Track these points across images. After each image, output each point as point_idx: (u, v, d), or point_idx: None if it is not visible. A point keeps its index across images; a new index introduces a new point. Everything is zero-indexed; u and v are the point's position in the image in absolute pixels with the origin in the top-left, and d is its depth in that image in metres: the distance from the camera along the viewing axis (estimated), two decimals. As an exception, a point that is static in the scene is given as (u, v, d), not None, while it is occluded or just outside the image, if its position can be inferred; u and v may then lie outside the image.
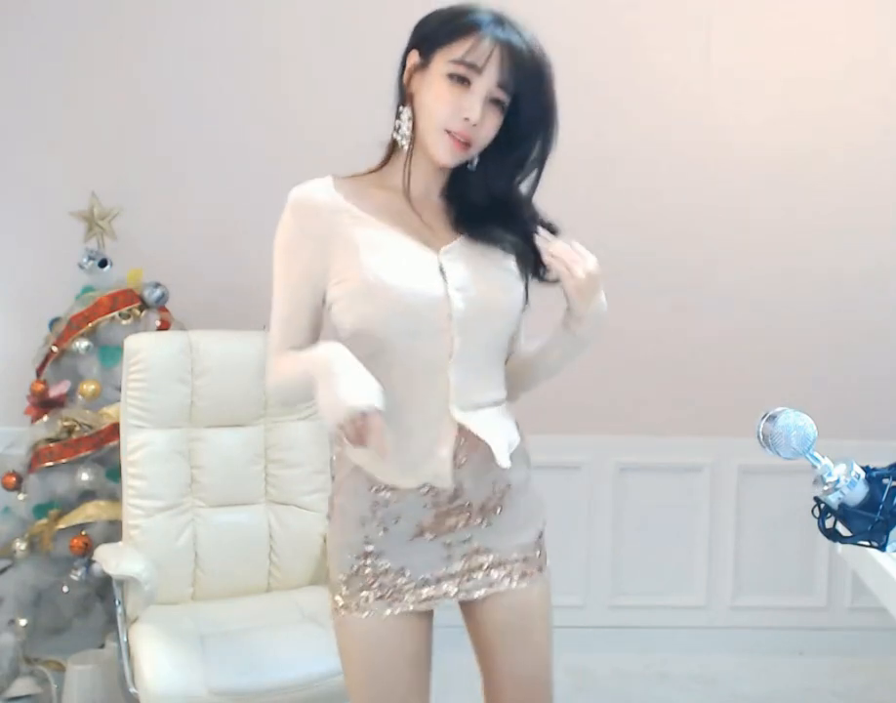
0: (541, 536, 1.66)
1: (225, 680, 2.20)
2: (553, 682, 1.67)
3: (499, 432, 1.55)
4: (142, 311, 2.90)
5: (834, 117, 3.22)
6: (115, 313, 2.86)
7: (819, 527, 1.36)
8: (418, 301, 1.46)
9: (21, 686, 2.77)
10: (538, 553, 1.64)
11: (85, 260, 2.92)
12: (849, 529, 1.33)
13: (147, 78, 3.09)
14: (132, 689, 2.30)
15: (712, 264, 3.26)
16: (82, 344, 2.85)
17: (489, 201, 1.54)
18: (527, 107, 1.48)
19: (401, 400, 1.48)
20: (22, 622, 2.80)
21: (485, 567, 1.59)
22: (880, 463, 1.36)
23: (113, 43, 3.07)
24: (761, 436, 1.32)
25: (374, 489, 1.53)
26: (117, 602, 2.40)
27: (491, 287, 1.51)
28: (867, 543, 1.32)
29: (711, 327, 3.29)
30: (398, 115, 1.52)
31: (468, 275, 1.49)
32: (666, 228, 3.24)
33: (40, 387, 2.84)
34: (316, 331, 1.56)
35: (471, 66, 1.43)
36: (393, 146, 1.56)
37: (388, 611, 1.55)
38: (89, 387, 2.81)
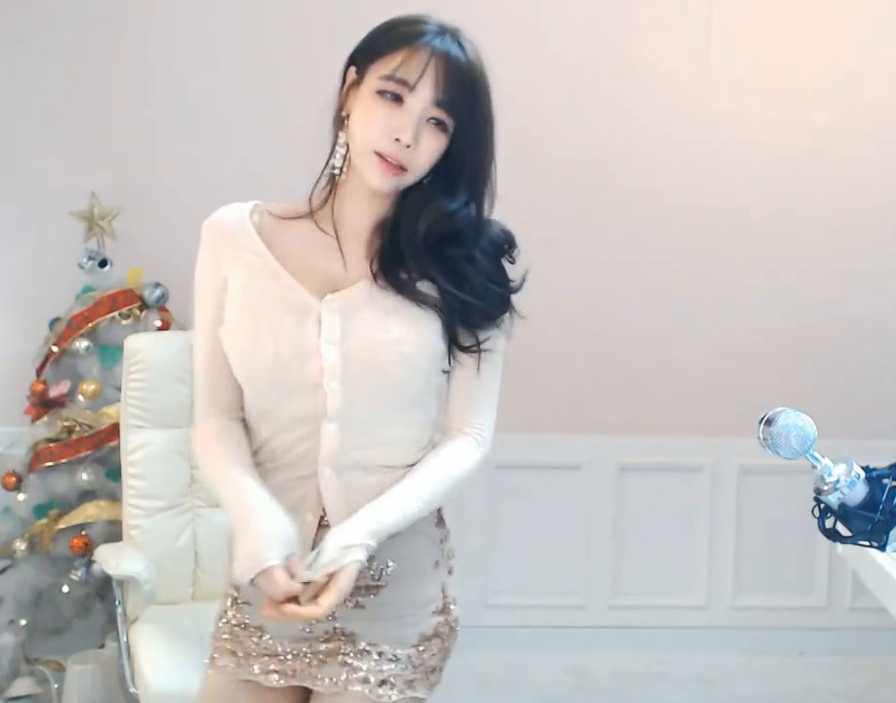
0: (424, 641, 1.40)
1: (225, 680, 2.20)
2: None
3: (358, 509, 1.33)
4: (142, 311, 2.90)
5: (834, 117, 3.22)
6: (115, 313, 2.86)
7: (819, 527, 1.36)
8: (282, 355, 1.32)
9: (21, 686, 2.77)
10: (416, 661, 1.39)
11: (85, 260, 2.92)
12: (849, 529, 1.33)
13: (148, 78, 3.10)
14: (132, 689, 2.30)
15: (711, 264, 3.26)
16: (82, 344, 2.85)
17: (420, 238, 1.36)
18: (461, 127, 1.32)
19: (272, 455, 1.39)
20: (22, 622, 2.80)
21: (343, 654, 1.38)
22: (880, 463, 1.36)
23: (114, 43, 3.07)
24: (761, 437, 1.31)
25: None
26: (117, 602, 2.40)
27: (380, 338, 1.33)
28: (867, 543, 1.32)
29: (710, 327, 3.29)
30: (336, 141, 1.39)
31: (351, 327, 1.33)
32: (665, 229, 3.24)
33: (40, 387, 2.84)
34: (234, 382, 1.40)
35: (402, 83, 1.29)
36: (331, 172, 1.42)
37: (232, 668, 1.42)
38: (89, 387, 2.81)
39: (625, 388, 3.28)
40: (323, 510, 1.38)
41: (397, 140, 1.29)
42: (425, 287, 1.36)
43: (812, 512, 1.35)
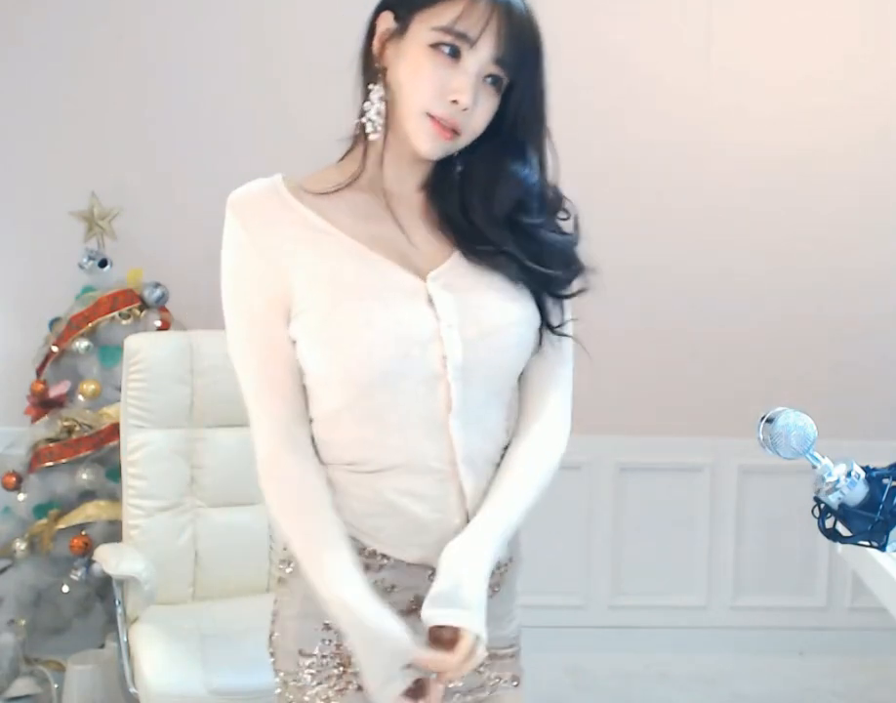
0: (519, 636, 1.36)
1: (225, 680, 2.20)
2: None
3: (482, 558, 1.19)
4: (142, 311, 2.90)
5: (835, 116, 3.22)
6: (115, 313, 2.86)
7: (819, 527, 1.36)
8: (400, 344, 1.15)
9: (21, 686, 2.77)
10: (518, 651, 1.34)
11: (85, 260, 2.92)
12: (849, 529, 1.33)
13: (148, 78, 3.09)
14: (132, 689, 2.30)
15: (711, 263, 3.26)
16: (82, 344, 2.85)
17: (490, 210, 1.22)
18: (522, 86, 1.18)
19: (393, 463, 1.19)
20: (22, 622, 2.80)
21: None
22: (880, 463, 1.36)
23: (114, 43, 3.07)
24: (761, 437, 1.31)
25: (365, 552, 1.21)
26: (117, 602, 2.40)
27: (499, 323, 1.20)
28: (867, 543, 1.32)
29: (710, 327, 3.28)
30: (366, 96, 1.20)
31: (466, 308, 1.19)
32: (665, 229, 3.24)
33: (40, 387, 2.84)
34: (299, 380, 1.22)
35: (462, 37, 1.12)
36: (360, 134, 1.24)
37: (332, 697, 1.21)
38: (89, 387, 2.81)
39: (625, 388, 3.28)
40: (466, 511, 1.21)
41: (454, 102, 1.13)
42: (506, 259, 1.22)
43: (812, 512, 1.35)
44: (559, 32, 3.44)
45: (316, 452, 1.22)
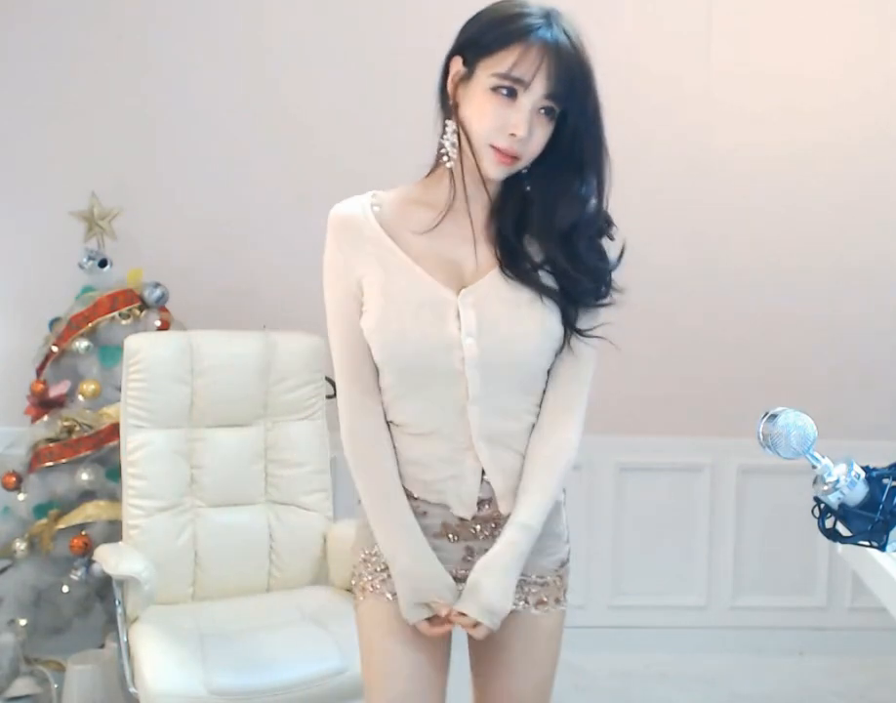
0: (563, 566, 1.66)
1: (225, 680, 2.20)
2: None
3: (510, 470, 1.53)
4: (142, 311, 2.90)
5: (835, 115, 3.22)
6: (115, 313, 2.86)
7: (819, 527, 1.36)
8: (427, 348, 1.45)
9: (21, 686, 2.77)
10: (557, 582, 1.64)
11: (85, 260, 2.92)
12: (849, 529, 1.33)
13: (148, 78, 3.10)
14: (132, 689, 2.30)
15: (712, 263, 3.27)
16: (82, 344, 2.85)
17: (547, 225, 1.47)
18: (576, 114, 1.41)
19: (429, 430, 1.51)
20: (22, 622, 2.80)
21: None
22: (880, 463, 1.36)
23: (113, 43, 3.07)
24: (761, 436, 1.32)
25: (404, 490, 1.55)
26: (117, 602, 2.40)
27: (511, 332, 1.46)
28: (867, 543, 1.32)
29: (710, 327, 3.29)
30: (444, 129, 1.44)
31: (486, 321, 1.45)
32: (664, 228, 3.24)
33: (40, 387, 2.84)
34: (371, 361, 1.52)
35: (518, 81, 1.35)
36: (439, 158, 1.48)
37: (390, 601, 1.55)
38: (89, 387, 2.81)
39: (625, 388, 3.28)
40: (483, 473, 1.52)
41: (512, 134, 1.36)
42: (543, 273, 1.47)
43: (812, 512, 1.36)
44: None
45: (385, 414, 1.54)
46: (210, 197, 3.15)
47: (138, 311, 2.90)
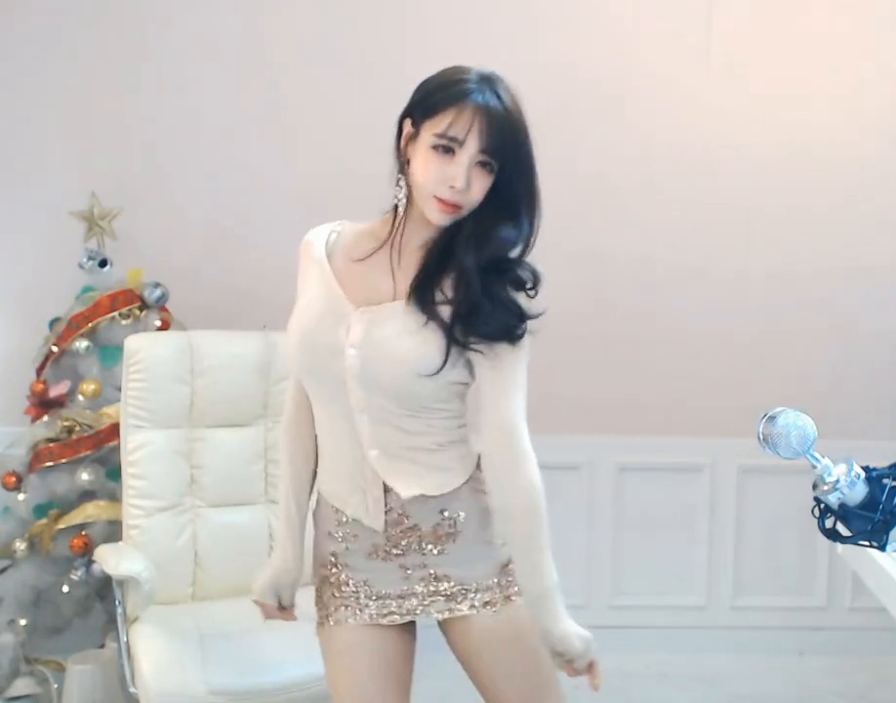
0: (503, 568, 1.67)
1: (225, 680, 2.20)
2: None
3: (414, 478, 1.60)
4: (141, 311, 2.90)
5: (835, 117, 3.22)
6: (115, 313, 2.86)
7: (819, 527, 1.36)
8: (319, 349, 1.58)
9: (21, 686, 2.77)
10: (502, 583, 1.66)
11: (85, 260, 2.92)
12: (849, 529, 1.33)
13: (148, 78, 3.10)
14: (132, 689, 2.30)
15: (711, 263, 3.27)
16: (82, 344, 2.85)
17: (469, 256, 1.55)
18: (509, 167, 1.53)
19: (333, 439, 1.65)
20: (22, 622, 2.80)
21: (444, 592, 1.65)
22: (880, 463, 1.36)
23: (113, 43, 3.07)
24: (761, 436, 1.32)
25: (333, 508, 1.67)
26: (117, 602, 2.40)
27: (391, 347, 1.54)
28: (867, 543, 1.32)
29: (711, 327, 3.29)
30: (398, 183, 1.58)
31: (372, 337, 1.55)
32: (665, 228, 3.25)
33: (40, 387, 2.84)
34: None
35: (453, 139, 1.48)
36: (393, 208, 1.62)
37: (352, 621, 1.65)
38: (89, 387, 2.82)
39: (625, 388, 3.28)
40: (384, 484, 1.61)
41: (452, 186, 1.50)
42: (445, 307, 1.55)
43: (812, 512, 1.36)
44: (559, 34, 3.45)
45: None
46: (210, 197, 3.15)
47: (138, 311, 2.90)
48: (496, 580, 1.66)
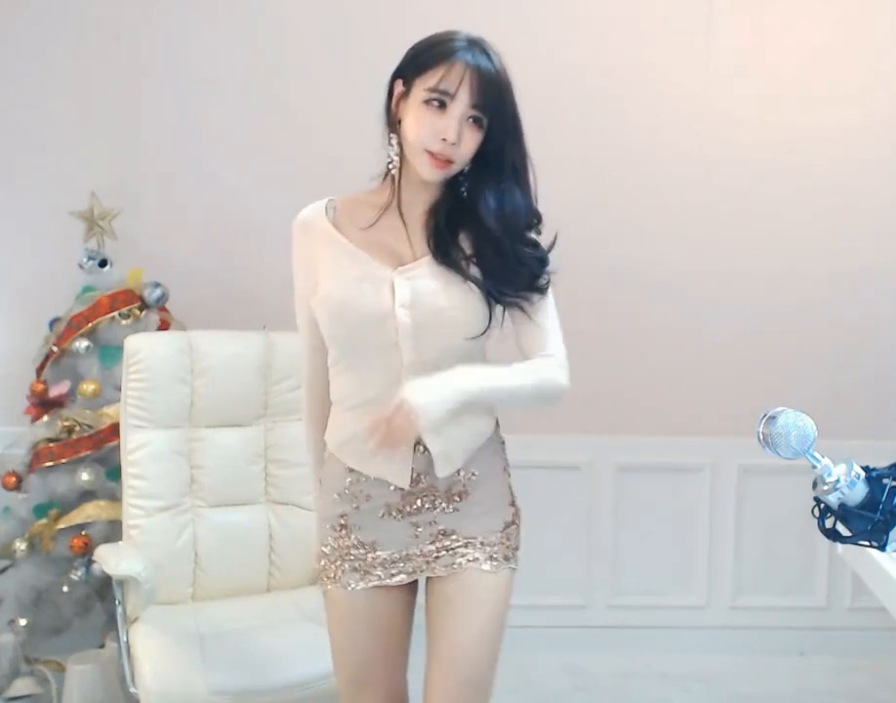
0: (507, 527, 1.75)
1: (225, 680, 2.20)
2: (483, 679, 1.68)
3: (452, 436, 1.65)
4: (142, 311, 2.90)
5: (834, 117, 3.22)
6: (115, 313, 2.86)
7: (819, 527, 1.36)
8: (364, 316, 1.61)
9: (21, 686, 2.77)
10: (504, 541, 1.73)
11: (85, 260, 2.92)
12: (849, 529, 1.33)
13: (148, 78, 3.10)
14: (132, 689, 2.30)
15: (711, 264, 3.27)
16: (82, 344, 2.85)
17: (476, 221, 1.64)
18: (497, 122, 1.60)
19: (368, 399, 1.65)
20: (22, 622, 2.79)
21: (452, 548, 1.69)
22: (880, 463, 1.36)
23: (113, 43, 3.07)
24: (761, 436, 1.32)
25: (348, 469, 1.70)
26: (117, 602, 2.40)
27: (441, 305, 1.62)
28: (867, 543, 1.33)
29: (711, 327, 3.29)
30: (389, 142, 1.65)
31: (420, 293, 1.61)
32: (664, 229, 3.25)
33: (40, 387, 2.84)
34: (324, 345, 1.71)
35: (444, 93, 1.56)
36: (387, 170, 1.68)
37: (362, 584, 1.70)
38: (89, 387, 2.82)
39: (625, 388, 3.28)
40: (417, 442, 1.66)
41: (444, 139, 1.56)
42: (471, 264, 1.65)
43: (812, 512, 1.36)
44: (559, 35, 3.44)
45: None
46: (210, 197, 3.15)
47: (138, 311, 2.90)
48: (499, 537, 1.72)
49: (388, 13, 3.12)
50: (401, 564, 1.70)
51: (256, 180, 3.14)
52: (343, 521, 1.71)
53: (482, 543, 1.70)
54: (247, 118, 3.13)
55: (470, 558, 1.69)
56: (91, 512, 2.77)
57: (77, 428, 2.78)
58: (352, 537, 1.71)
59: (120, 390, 2.61)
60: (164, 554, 2.53)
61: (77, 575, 2.76)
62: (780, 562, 3.38)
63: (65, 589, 2.78)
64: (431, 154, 1.57)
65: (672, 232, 3.25)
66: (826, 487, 1.30)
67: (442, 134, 1.56)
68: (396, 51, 3.26)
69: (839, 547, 1.73)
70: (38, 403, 2.86)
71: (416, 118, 1.58)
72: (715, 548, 3.38)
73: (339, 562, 1.72)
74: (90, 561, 2.69)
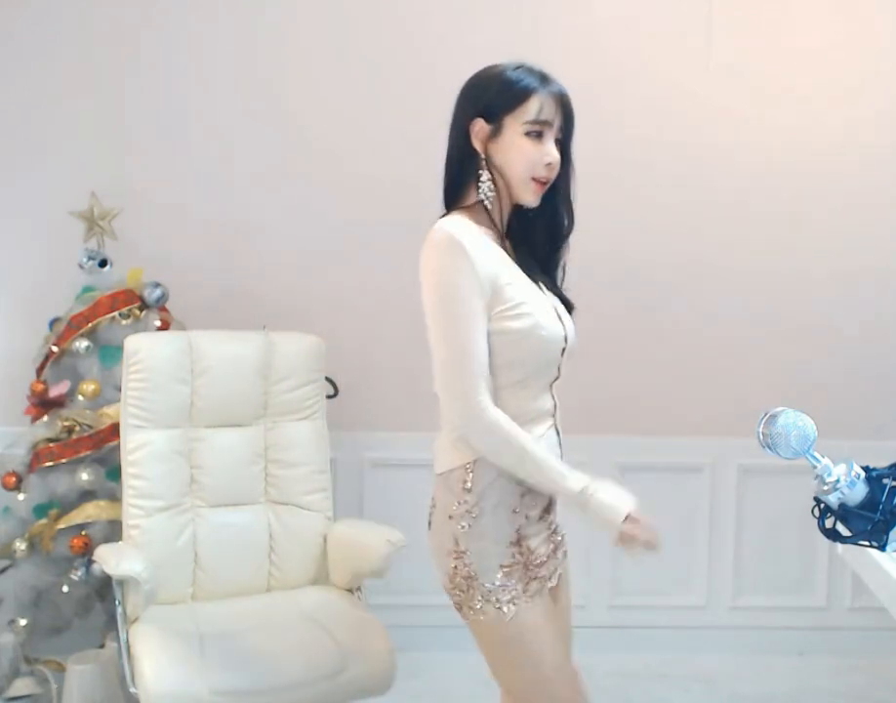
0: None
1: (225, 680, 2.20)
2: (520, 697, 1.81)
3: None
4: (142, 311, 2.90)
5: (834, 117, 3.22)
6: (115, 313, 2.86)
7: (819, 527, 1.36)
8: (555, 341, 1.74)
9: (21, 686, 2.77)
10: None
11: (85, 260, 2.92)
12: (849, 529, 1.33)
13: (147, 79, 3.10)
14: (132, 689, 2.30)
15: (711, 263, 3.27)
16: (82, 344, 2.85)
17: (547, 239, 1.80)
18: (567, 143, 1.74)
19: (535, 412, 1.76)
20: (22, 622, 2.79)
21: (561, 544, 1.89)
22: (880, 463, 1.36)
23: (113, 43, 3.08)
24: (761, 437, 1.32)
25: (519, 483, 1.73)
26: (117, 602, 2.40)
27: (572, 326, 1.80)
28: (867, 543, 1.32)
29: (711, 327, 3.29)
30: (478, 179, 1.71)
31: (564, 316, 1.78)
32: (665, 229, 3.24)
33: (40, 387, 2.84)
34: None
35: (545, 123, 1.68)
36: (480, 202, 1.74)
37: (539, 593, 1.77)
38: (89, 387, 2.81)
39: (625, 388, 3.28)
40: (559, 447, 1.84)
41: (549, 164, 1.69)
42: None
43: (812, 512, 1.36)
44: (560, 35, 3.44)
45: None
46: (210, 197, 3.15)
47: (138, 311, 2.90)
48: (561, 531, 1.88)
49: (388, 13, 3.12)
50: (550, 565, 1.83)
51: (256, 180, 3.14)
52: (517, 536, 1.75)
53: (563, 536, 1.92)
54: (247, 118, 3.13)
55: (564, 554, 1.93)
56: (91, 512, 2.77)
57: (77, 428, 2.78)
58: (527, 548, 1.76)
59: (120, 390, 2.61)
60: (164, 554, 2.53)
61: (77, 575, 2.76)
62: (780, 562, 3.38)
63: (65, 589, 2.77)
64: (536, 180, 1.68)
65: (672, 232, 3.25)
66: (826, 487, 1.30)
67: (546, 158, 1.67)
68: (396, 51, 3.28)
69: (839, 547, 1.73)
70: (38, 403, 2.85)
71: (519, 151, 1.67)
72: (715, 548, 3.38)
73: (523, 578, 1.74)
74: (90, 561, 2.69)
